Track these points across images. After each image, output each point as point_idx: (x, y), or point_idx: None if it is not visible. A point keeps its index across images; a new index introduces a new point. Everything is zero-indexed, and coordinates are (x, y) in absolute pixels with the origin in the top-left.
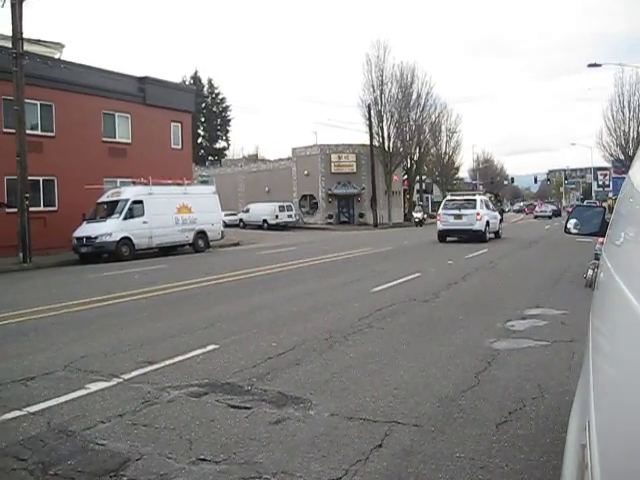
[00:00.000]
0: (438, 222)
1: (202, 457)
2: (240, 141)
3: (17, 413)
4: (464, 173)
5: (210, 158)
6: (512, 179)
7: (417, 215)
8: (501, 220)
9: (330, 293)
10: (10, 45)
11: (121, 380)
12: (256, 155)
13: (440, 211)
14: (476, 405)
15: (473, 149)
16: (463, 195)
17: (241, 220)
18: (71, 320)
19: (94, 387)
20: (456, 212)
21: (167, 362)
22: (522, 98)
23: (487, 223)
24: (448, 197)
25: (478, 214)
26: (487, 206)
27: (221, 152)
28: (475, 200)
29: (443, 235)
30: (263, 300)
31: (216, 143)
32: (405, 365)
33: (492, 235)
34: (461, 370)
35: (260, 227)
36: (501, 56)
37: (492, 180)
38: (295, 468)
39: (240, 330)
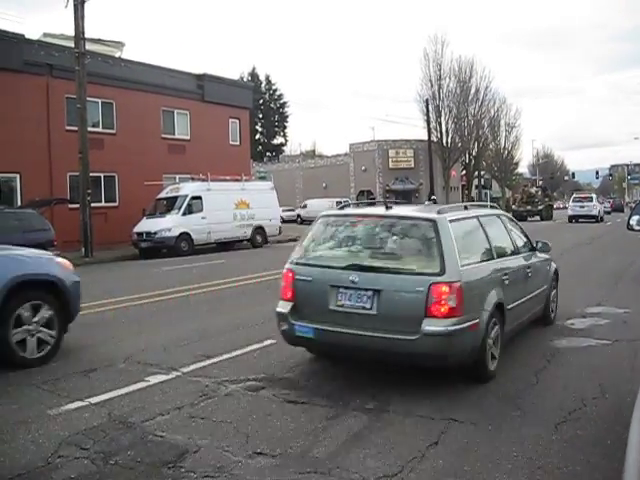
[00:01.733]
0: (569, 210)
1: (258, 451)
2: (297, 137)
3: (80, 404)
4: (523, 168)
5: (268, 154)
6: (573, 174)
7: None
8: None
9: None
10: (72, 45)
11: (180, 373)
12: (313, 151)
13: (570, 203)
14: (534, 404)
15: (533, 144)
16: (584, 193)
17: (299, 216)
18: (133, 314)
19: (153, 380)
20: (580, 204)
21: (225, 356)
22: (583, 91)
23: (599, 211)
24: (575, 195)
25: (595, 205)
26: (598, 201)
27: (279, 148)
28: (592, 197)
29: (573, 218)
30: None
31: (274, 139)
32: None
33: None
34: (519, 368)
35: None
36: (562, 48)
37: (552, 175)
38: (350, 463)
39: None
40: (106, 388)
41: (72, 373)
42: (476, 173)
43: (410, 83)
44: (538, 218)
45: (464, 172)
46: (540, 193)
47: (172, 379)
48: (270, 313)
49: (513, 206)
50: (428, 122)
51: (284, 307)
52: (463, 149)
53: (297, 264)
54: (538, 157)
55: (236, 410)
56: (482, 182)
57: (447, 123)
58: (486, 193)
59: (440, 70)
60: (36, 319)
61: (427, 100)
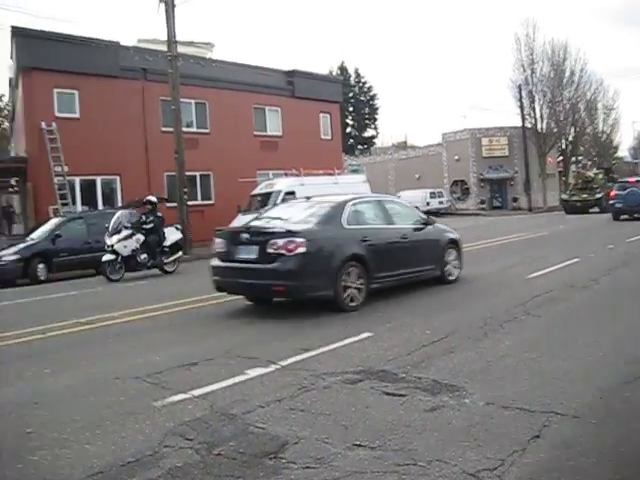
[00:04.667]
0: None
1: (357, 443)
2: (388, 129)
3: (183, 396)
4: (624, 152)
5: (359, 147)
6: None
7: None
8: None
9: (485, 279)
10: (165, 49)
11: (278, 366)
12: (405, 142)
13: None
14: None
15: (633, 126)
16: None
17: None
18: (230, 309)
19: (253, 373)
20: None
21: (323, 349)
22: None
23: None
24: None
25: None
26: None
27: (370, 141)
28: None
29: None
30: (414, 287)
31: (365, 132)
32: (564, 354)
33: None
34: (624, 361)
35: None
36: None
37: None
38: (450, 456)
39: (393, 318)
40: (208, 381)
41: (174, 367)
42: (573, 159)
43: (501, 69)
44: (597, 210)
45: (561, 158)
46: (601, 177)
47: (271, 372)
48: (365, 306)
49: (563, 195)
50: (522, 108)
51: None
52: (559, 134)
53: None
54: (639, 139)
55: (335, 402)
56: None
57: (541, 108)
58: None
59: (532, 54)
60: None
61: (520, 86)
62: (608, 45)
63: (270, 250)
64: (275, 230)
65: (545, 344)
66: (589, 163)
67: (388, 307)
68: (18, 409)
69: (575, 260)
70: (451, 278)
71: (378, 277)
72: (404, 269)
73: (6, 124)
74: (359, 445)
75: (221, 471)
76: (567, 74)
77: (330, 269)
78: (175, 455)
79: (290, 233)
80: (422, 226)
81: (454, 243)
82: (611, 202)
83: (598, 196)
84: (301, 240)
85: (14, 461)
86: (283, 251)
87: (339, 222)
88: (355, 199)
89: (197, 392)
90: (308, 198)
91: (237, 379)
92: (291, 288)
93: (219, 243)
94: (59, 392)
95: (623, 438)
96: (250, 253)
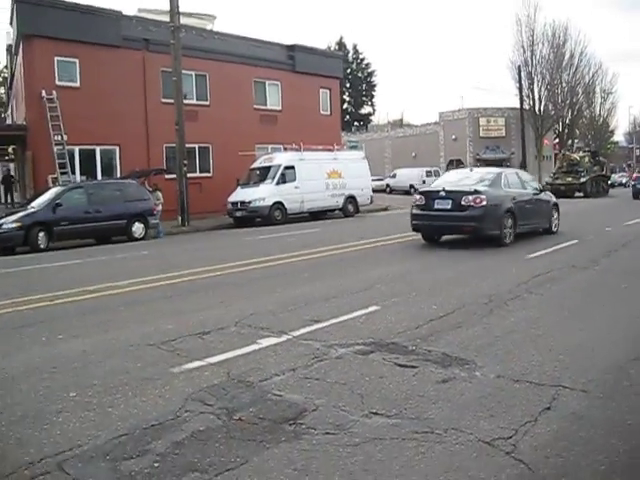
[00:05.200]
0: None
1: (374, 411)
2: (385, 106)
3: (198, 363)
4: (619, 137)
5: (355, 124)
6: None
7: None
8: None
9: (483, 259)
10: (166, 19)
11: (290, 337)
12: (401, 120)
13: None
14: None
15: (630, 111)
16: None
17: (387, 185)
18: (236, 280)
19: (265, 342)
20: None
21: (332, 321)
22: None
23: None
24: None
25: None
26: None
27: (366, 118)
28: None
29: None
30: (418, 264)
31: (361, 109)
32: (568, 331)
33: None
34: (629, 339)
35: (407, 193)
36: None
37: None
38: (465, 425)
39: (399, 293)
40: (221, 349)
41: (186, 335)
42: (569, 142)
43: (500, 50)
44: (582, 194)
45: (557, 140)
46: (587, 160)
47: (283, 342)
48: (370, 280)
49: (547, 178)
50: (520, 89)
51: None
52: (556, 117)
53: None
54: (635, 124)
55: (348, 372)
56: None
57: (540, 90)
58: None
59: (533, 36)
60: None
61: (519, 67)
62: (607, 29)
63: (463, 202)
64: (466, 190)
65: (549, 321)
66: (575, 145)
67: (392, 283)
68: (37, 373)
69: (574, 242)
70: (554, 229)
71: (520, 225)
72: (532, 221)
73: (1, 91)
74: (376, 413)
75: (244, 435)
76: (567, 56)
77: (498, 217)
78: (197, 419)
79: (476, 192)
80: (539, 192)
81: (556, 206)
82: (633, 183)
83: (583, 180)
84: (484, 197)
85: (40, 422)
86: (472, 203)
87: (500, 186)
88: (506, 170)
89: (212, 360)
90: (471, 169)
91: (250, 348)
92: (476, 228)
93: (419, 198)
94: (75, 357)
95: (630, 411)
96: (445, 205)
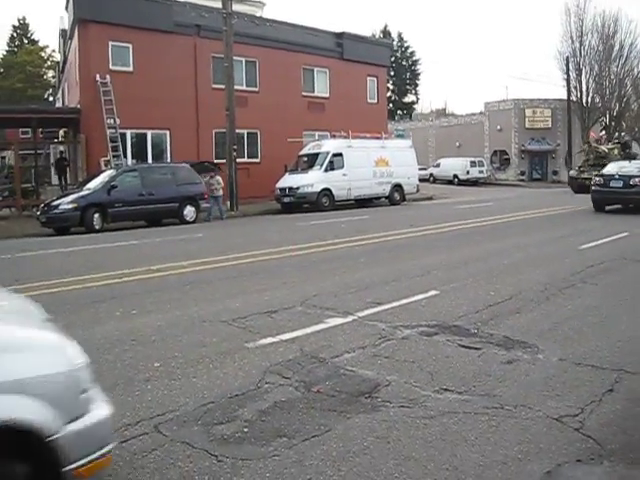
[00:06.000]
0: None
1: (445, 387)
2: (428, 95)
3: (272, 339)
4: None
5: (399, 112)
6: None
7: None
8: None
9: (538, 248)
10: (217, 5)
11: (355, 317)
12: (444, 109)
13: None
14: None
15: None
16: None
17: (431, 175)
18: (295, 263)
19: (332, 322)
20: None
21: (394, 304)
22: None
23: None
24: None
25: None
26: None
27: (410, 106)
28: None
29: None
30: (472, 252)
31: (405, 97)
32: (625, 320)
33: None
34: None
35: (450, 182)
36: None
37: None
38: (533, 403)
39: (456, 279)
40: (291, 327)
41: (255, 313)
42: (616, 134)
43: (547, 40)
44: None
45: (603, 133)
46: (616, 152)
47: (349, 322)
48: (427, 266)
49: (572, 171)
50: (568, 81)
51: None
52: (604, 109)
53: None
54: None
55: (415, 351)
56: None
57: (587, 82)
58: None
59: (582, 26)
60: None
61: (567, 57)
62: None
63: (631, 182)
64: (633, 174)
65: (605, 309)
66: (604, 136)
67: (448, 269)
68: (118, 345)
69: (624, 234)
70: None
71: None
72: None
73: (49, 74)
74: (446, 389)
75: (324, 406)
76: (616, 48)
77: None
78: (277, 391)
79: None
80: None
81: None
82: None
83: None
84: None
85: (130, 389)
86: (638, 183)
87: None
88: None
89: (284, 337)
90: (629, 162)
91: (319, 327)
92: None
93: (599, 180)
94: (152, 331)
95: None
96: (619, 184)
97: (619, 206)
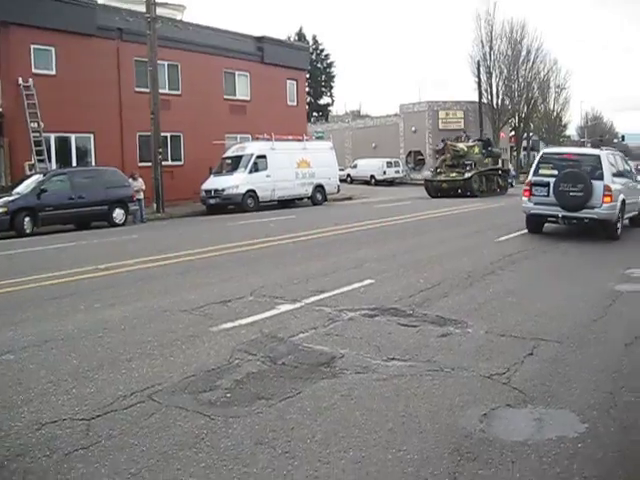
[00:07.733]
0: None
1: (391, 357)
2: (343, 97)
3: (232, 324)
4: (572, 130)
5: (315, 114)
6: (623, 137)
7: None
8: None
9: (459, 241)
10: (136, 9)
11: (303, 304)
12: (359, 111)
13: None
14: (606, 330)
15: (581, 105)
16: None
17: (349, 175)
18: (235, 259)
19: (283, 308)
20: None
21: (335, 291)
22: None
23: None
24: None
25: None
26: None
27: (325, 108)
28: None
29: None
30: (399, 246)
31: (320, 99)
32: (540, 299)
33: None
34: (590, 305)
35: (367, 182)
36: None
37: (601, 138)
38: (467, 365)
39: (388, 269)
40: (247, 314)
41: (211, 303)
42: (525, 135)
43: (460, 44)
44: (467, 193)
45: (513, 134)
46: (477, 151)
47: (298, 308)
48: (360, 259)
49: (426, 172)
50: (479, 84)
51: None
52: (513, 111)
53: None
54: (587, 119)
55: (361, 330)
56: (530, 144)
57: (498, 85)
58: (534, 155)
59: (492, 31)
60: None
61: (478, 61)
62: (565, 22)
63: None
64: None
65: (522, 292)
66: (463, 136)
67: (379, 261)
68: (92, 333)
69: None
70: None
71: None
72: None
73: None
74: (393, 359)
75: (291, 374)
76: (524, 52)
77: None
78: (247, 365)
79: None
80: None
81: None
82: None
83: (467, 175)
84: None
85: (117, 368)
86: None
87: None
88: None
89: (243, 322)
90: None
91: (272, 313)
92: None
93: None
94: (120, 321)
95: (595, 356)
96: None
97: None
